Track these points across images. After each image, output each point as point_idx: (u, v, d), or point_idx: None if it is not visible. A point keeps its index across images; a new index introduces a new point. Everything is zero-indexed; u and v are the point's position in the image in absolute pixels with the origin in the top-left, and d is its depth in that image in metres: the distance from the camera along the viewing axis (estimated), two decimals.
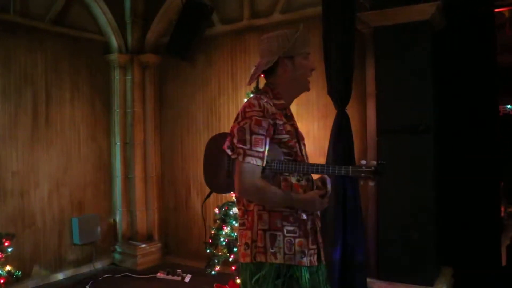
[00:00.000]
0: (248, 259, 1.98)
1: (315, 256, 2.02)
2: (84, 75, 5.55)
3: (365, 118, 4.21)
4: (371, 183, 1.89)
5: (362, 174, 1.87)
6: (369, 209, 4.11)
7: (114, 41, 5.73)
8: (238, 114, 1.99)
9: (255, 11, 5.15)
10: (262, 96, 1.99)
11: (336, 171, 1.93)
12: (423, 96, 3.80)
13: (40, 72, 5.08)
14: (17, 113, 4.85)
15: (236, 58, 5.28)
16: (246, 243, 2.00)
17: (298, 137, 2.08)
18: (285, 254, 1.93)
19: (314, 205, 1.96)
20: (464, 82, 4.07)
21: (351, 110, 4.02)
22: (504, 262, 4.31)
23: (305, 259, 1.96)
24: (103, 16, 5.59)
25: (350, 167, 1.90)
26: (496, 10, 4.36)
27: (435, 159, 3.86)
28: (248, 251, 1.98)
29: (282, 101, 2.05)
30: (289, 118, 2.08)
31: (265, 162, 1.92)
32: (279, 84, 2.06)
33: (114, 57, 5.74)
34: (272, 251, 1.93)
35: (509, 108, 10.34)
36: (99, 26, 5.70)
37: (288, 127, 2.01)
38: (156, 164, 5.98)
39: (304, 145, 2.16)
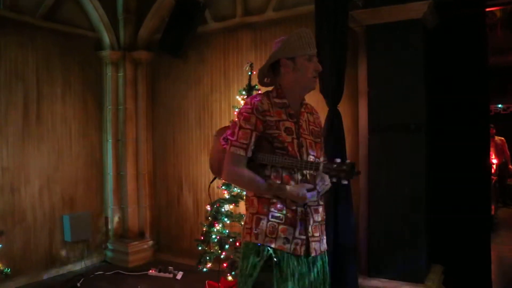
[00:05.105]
0: (242, 239, 2.21)
1: (303, 247, 2.12)
2: (76, 72, 5.51)
3: (357, 116, 4.22)
4: (344, 182, 1.95)
5: (332, 172, 1.96)
6: (360, 207, 4.12)
7: (106, 38, 5.70)
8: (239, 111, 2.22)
9: (248, 9, 5.15)
10: (259, 95, 2.17)
11: (308, 167, 2.04)
12: (415, 94, 3.81)
13: (31, 68, 5.03)
14: (7, 110, 4.81)
15: (228, 55, 5.27)
16: (243, 225, 2.23)
17: (299, 134, 2.15)
18: (266, 236, 2.09)
19: (295, 196, 2.05)
20: (456, 80, 4.08)
21: (343, 108, 4.03)
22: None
23: (288, 245, 2.09)
24: (95, 12, 5.55)
25: (321, 163, 2.00)
26: (488, 9, 4.38)
27: (426, 157, 3.88)
28: (243, 232, 2.21)
29: (284, 100, 2.18)
30: (292, 116, 2.17)
31: (249, 153, 2.10)
32: (283, 84, 2.19)
33: (106, 53, 5.71)
34: (255, 232, 2.11)
35: (500, 107, 10.43)
36: (91, 22, 5.66)
37: (287, 124, 2.13)
38: (148, 161, 5.96)
39: (317, 142, 2.23)
